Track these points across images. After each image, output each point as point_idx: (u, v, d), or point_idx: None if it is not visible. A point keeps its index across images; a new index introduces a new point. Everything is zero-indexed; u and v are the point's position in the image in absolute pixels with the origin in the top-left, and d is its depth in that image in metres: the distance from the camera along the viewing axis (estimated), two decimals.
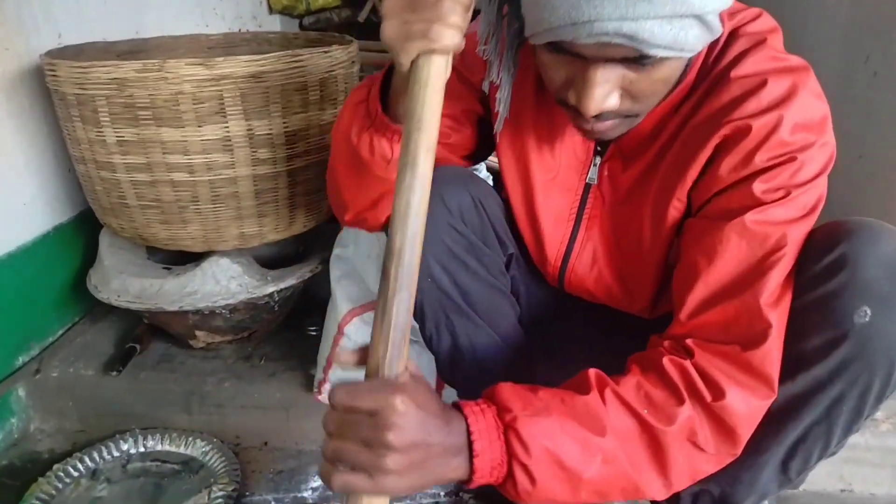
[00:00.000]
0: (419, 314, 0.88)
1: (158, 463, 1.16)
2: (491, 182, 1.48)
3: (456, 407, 0.65)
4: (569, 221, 0.86)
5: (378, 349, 0.61)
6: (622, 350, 0.99)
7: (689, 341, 0.70)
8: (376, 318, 0.61)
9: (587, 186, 0.84)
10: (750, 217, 0.68)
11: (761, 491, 0.84)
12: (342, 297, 1.20)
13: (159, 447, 1.18)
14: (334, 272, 1.23)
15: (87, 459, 1.13)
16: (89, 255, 1.36)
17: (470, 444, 0.62)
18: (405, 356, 0.62)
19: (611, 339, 1.00)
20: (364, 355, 0.64)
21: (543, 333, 1.01)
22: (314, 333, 1.36)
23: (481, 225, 0.89)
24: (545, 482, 0.63)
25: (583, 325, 1.02)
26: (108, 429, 1.20)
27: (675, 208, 0.78)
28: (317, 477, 1.15)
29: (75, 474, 1.11)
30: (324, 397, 1.17)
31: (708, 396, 0.67)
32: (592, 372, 0.70)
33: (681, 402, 0.67)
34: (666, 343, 0.72)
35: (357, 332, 1.17)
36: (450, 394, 1.11)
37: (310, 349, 1.25)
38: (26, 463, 1.16)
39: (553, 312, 1.02)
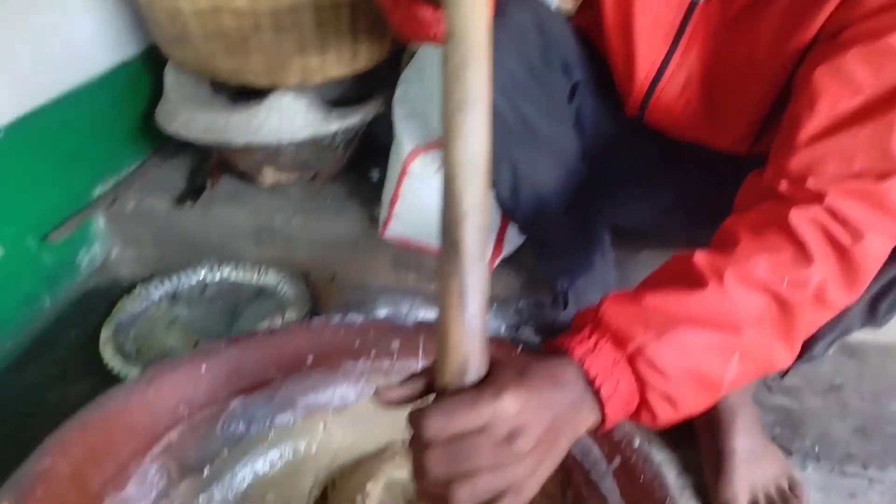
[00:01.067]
0: None
1: (233, 291, 1.21)
2: None
3: (557, 348, 0.55)
4: (666, 39, 0.80)
5: (458, 347, 0.48)
6: (692, 190, 0.96)
7: (811, 180, 0.61)
8: (445, 304, 0.48)
9: (692, 4, 0.77)
10: (893, 39, 0.61)
11: (844, 327, 0.80)
12: (406, 136, 1.18)
13: (233, 276, 1.23)
14: (398, 112, 1.21)
15: (166, 283, 1.20)
16: (156, 91, 1.36)
17: (593, 389, 0.52)
18: (486, 344, 0.49)
19: (681, 178, 0.97)
20: (418, 385, 0.52)
21: (606, 167, 0.98)
22: (377, 177, 1.36)
23: (544, 51, 0.83)
24: (686, 402, 0.55)
25: (649, 162, 0.98)
26: (184, 258, 1.26)
27: (800, 39, 0.70)
28: (383, 309, 1.19)
29: (156, 297, 1.18)
30: (388, 234, 1.19)
31: (847, 240, 0.59)
32: (699, 258, 0.60)
33: (810, 260, 0.59)
34: (783, 185, 0.63)
35: (423, 170, 1.16)
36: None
37: (374, 192, 1.25)
38: (111, 286, 1.23)
39: (618, 147, 0.98)
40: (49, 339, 1.12)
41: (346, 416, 0.83)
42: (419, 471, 0.48)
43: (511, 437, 0.47)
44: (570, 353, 0.53)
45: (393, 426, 0.86)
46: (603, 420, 0.53)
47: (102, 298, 1.19)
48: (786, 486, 0.87)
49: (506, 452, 0.47)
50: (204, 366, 0.75)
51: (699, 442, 0.92)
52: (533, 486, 0.49)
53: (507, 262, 1.19)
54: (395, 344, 0.81)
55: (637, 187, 1.00)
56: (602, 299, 0.58)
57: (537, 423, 0.48)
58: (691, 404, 0.55)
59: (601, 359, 0.53)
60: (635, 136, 0.95)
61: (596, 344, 0.54)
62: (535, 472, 0.49)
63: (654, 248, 1.17)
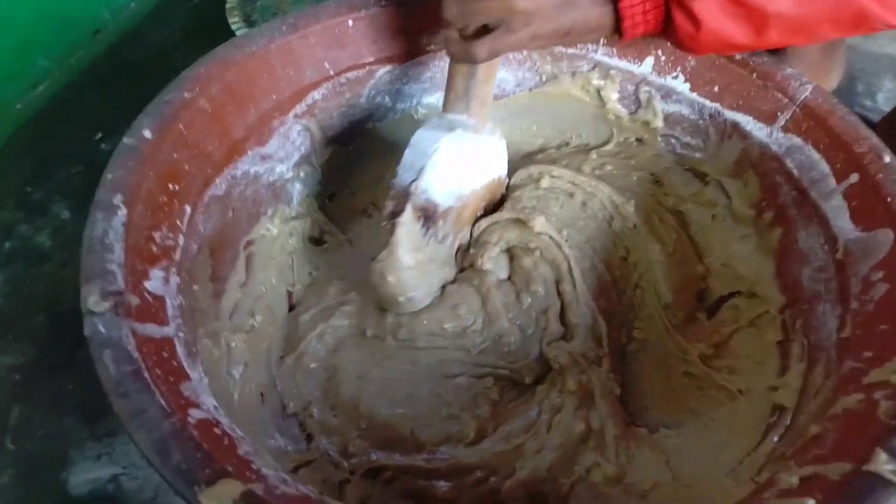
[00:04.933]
0: None
1: None
2: None
3: None
4: None
5: None
6: None
7: None
8: None
9: None
10: None
11: None
12: None
13: None
14: None
15: None
16: None
17: None
18: None
19: None
20: None
21: None
22: None
23: None
24: (714, 23, 0.49)
25: None
26: None
27: None
28: None
29: None
30: None
31: None
32: None
33: None
34: None
35: None
36: None
37: None
38: None
39: None
40: (172, 4, 1.03)
41: (503, 106, 0.72)
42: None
43: None
44: None
45: (553, 126, 0.75)
46: (619, 24, 0.51)
47: None
48: None
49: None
50: (350, 21, 0.64)
51: None
52: (527, 30, 0.51)
53: None
54: None
55: None
56: None
57: None
58: (720, 28, 0.50)
59: None
60: None
61: None
62: (529, 21, 0.50)
63: None
